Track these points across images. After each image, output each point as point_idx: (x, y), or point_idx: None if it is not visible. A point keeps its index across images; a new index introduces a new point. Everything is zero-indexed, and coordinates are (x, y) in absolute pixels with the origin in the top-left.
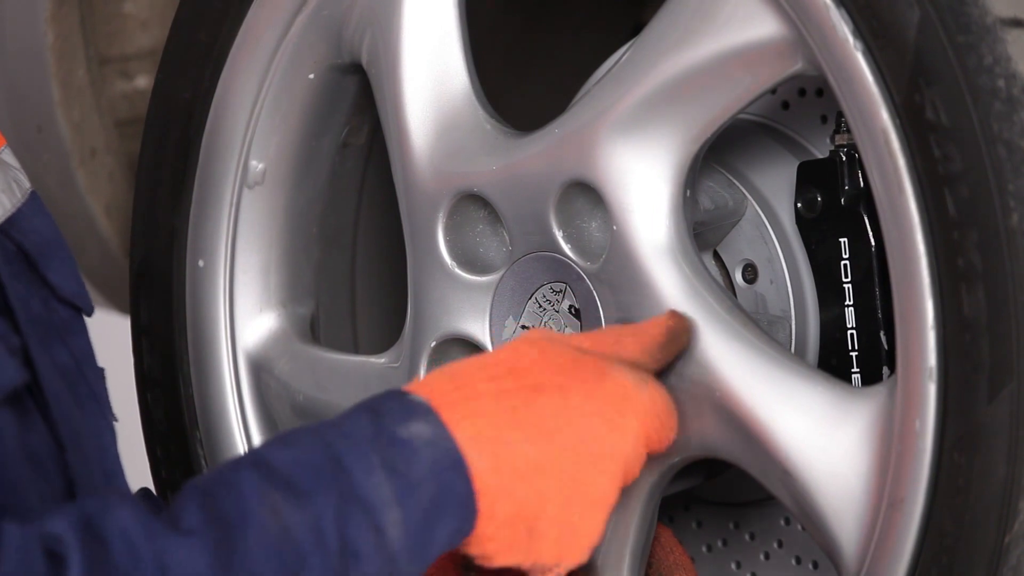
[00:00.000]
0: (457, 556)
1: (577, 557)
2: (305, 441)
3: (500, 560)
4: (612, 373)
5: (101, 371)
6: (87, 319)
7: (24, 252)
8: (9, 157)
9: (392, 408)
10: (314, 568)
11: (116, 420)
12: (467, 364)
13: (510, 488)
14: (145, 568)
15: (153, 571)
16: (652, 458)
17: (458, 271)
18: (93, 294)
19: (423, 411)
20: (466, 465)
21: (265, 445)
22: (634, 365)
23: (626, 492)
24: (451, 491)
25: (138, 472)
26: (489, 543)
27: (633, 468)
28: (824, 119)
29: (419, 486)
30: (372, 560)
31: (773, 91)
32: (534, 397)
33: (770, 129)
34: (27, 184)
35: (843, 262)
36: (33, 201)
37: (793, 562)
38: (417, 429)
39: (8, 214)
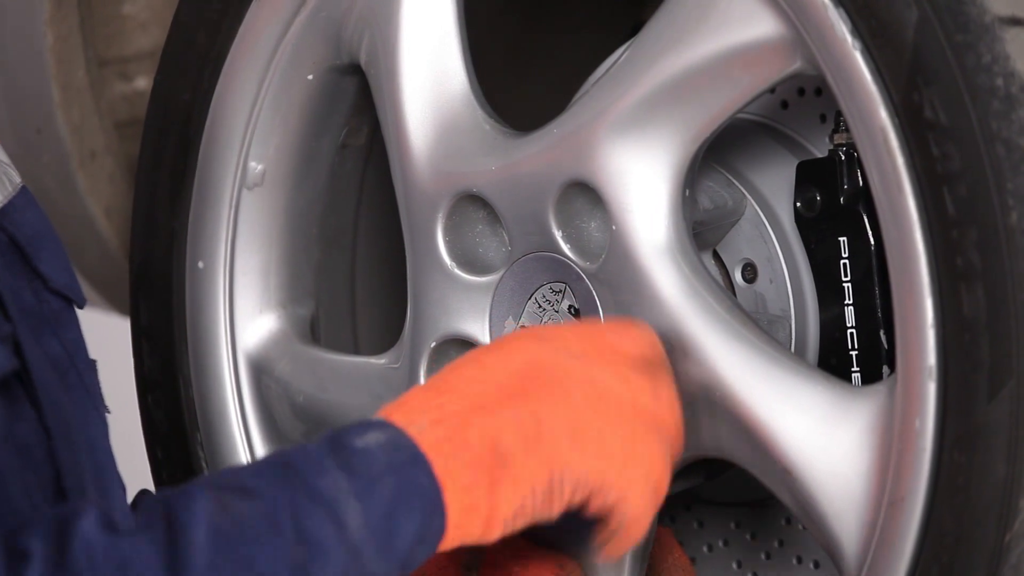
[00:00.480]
0: (459, 556)
1: (564, 459)
2: (260, 460)
3: (502, 508)
4: (520, 330)
5: (92, 363)
6: (87, 316)
7: (16, 243)
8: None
9: (350, 428)
10: (266, 549)
11: (108, 412)
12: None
13: (459, 435)
14: (101, 565)
15: (110, 568)
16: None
17: (457, 271)
18: (93, 296)
19: (379, 424)
20: (427, 461)
21: (222, 469)
22: None
23: None
24: (413, 484)
25: (139, 474)
26: (473, 493)
27: (597, 376)
28: (823, 118)
29: (378, 482)
30: (334, 551)
31: (772, 90)
32: (450, 372)
33: (769, 128)
34: (17, 179)
35: (842, 261)
36: (24, 195)
37: (794, 561)
38: (372, 436)
39: (0, 206)
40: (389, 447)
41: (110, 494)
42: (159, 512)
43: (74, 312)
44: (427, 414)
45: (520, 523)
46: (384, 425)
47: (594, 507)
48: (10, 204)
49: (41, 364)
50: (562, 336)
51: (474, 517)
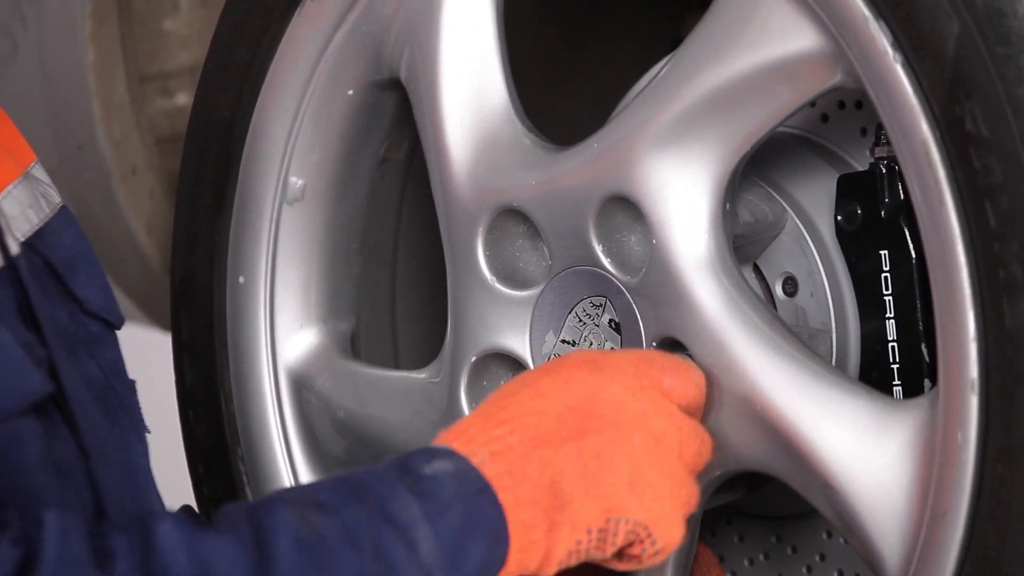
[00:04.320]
0: None
1: (623, 505)
2: (331, 478)
3: (559, 548)
4: (572, 355)
5: (132, 383)
6: (128, 332)
7: (51, 266)
8: (40, 172)
9: (415, 454)
10: (349, 564)
11: (148, 432)
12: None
13: (519, 469)
14: (185, 559)
15: (193, 563)
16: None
17: (498, 286)
18: (134, 311)
19: (445, 452)
20: (494, 492)
21: (291, 487)
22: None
23: None
24: (481, 514)
25: (180, 489)
26: (532, 531)
27: (655, 419)
28: (864, 131)
29: (448, 508)
30: (408, 571)
31: (812, 104)
32: (506, 398)
33: (809, 142)
34: (57, 199)
35: (884, 275)
36: (63, 215)
37: (835, 575)
38: (440, 465)
39: (35, 228)
40: (457, 476)
41: None
42: (243, 517)
43: (113, 333)
44: (487, 446)
45: (574, 561)
46: (450, 453)
47: (636, 549)
48: (47, 226)
49: (77, 387)
50: (619, 368)
51: (532, 554)
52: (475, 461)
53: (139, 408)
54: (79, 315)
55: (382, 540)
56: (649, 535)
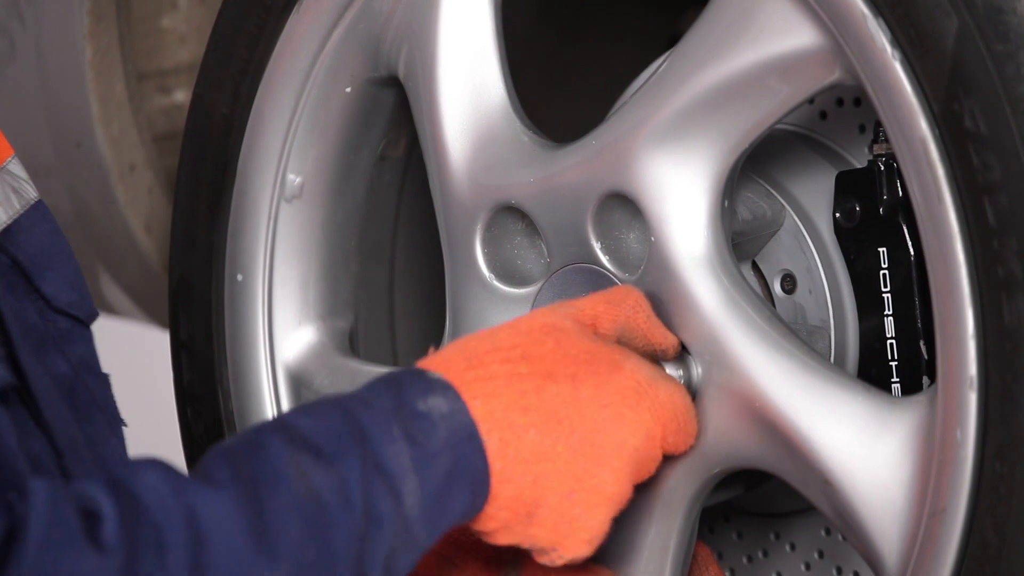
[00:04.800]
0: (502, 554)
1: (575, 548)
2: (328, 410)
3: (497, 539)
4: (626, 365)
5: (105, 377)
6: (130, 331)
7: (18, 265)
8: (16, 167)
9: (412, 382)
10: (341, 527)
11: (125, 425)
12: (481, 342)
13: (513, 472)
14: (176, 518)
15: (184, 521)
16: (693, 468)
17: (496, 283)
18: (132, 309)
19: (441, 387)
20: (481, 440)
21: (288, 413)
22: (651, 360)
23: (666, 503)
24: (466, 464)
25: None
26: (489, 521)
27: (645, 466)
28: (862, 129)
29: (436, 457)
30: (390, 525)
31: (811, 101)
32: (545, 384)
33: (808, 139)
34: (32, 194)
35: (882, 272)
36: (36, 211)
37: (834, 572)
38: (435, 403)
39: (3, 226)
40: (449, 420)
41: None
42: (238, 465)
43: (85, 328)
44: (502, 430)
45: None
46: (446, 389)
47: (552, 557)
48: (15, 224)
49: (44, 384)
50: (652, 408)
51: (478, 527)
52: (484, 437)
53: (114, 402)
54: (47, 311)
55: (373, 493)
56: (572, 560)
